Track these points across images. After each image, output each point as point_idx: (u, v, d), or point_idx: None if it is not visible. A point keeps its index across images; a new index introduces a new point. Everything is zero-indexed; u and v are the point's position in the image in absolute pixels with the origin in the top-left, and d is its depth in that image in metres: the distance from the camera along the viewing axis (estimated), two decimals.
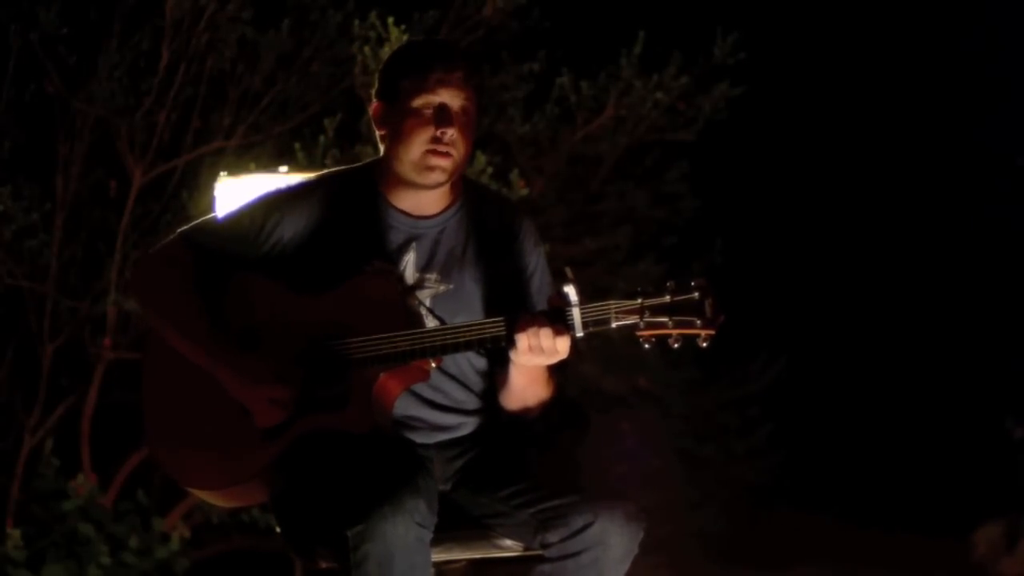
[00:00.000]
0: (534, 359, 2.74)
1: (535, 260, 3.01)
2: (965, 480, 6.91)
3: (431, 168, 2.86)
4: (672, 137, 5.83)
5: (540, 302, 2.95)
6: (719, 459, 7.10)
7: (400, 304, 2.86)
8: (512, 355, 2.76)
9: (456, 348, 2.78)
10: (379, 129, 2.95)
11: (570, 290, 2.71)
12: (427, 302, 2.91)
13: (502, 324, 2.75)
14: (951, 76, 7.45)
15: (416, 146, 2.86)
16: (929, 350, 7.43)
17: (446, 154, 2.86)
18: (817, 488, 7.18)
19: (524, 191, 5.25)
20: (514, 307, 2.87)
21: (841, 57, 7.42)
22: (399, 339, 2.79)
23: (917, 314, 7.64)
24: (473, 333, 2.77)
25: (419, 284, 2.92)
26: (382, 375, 2.80)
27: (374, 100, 2.96)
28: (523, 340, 2.71)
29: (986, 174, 7.44)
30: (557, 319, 2.71)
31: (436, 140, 2.84)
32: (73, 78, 5.11)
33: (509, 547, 2.85)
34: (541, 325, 2.71)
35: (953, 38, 7.33)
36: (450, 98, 2.86)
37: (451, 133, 2.84)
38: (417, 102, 2.86)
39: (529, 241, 3.02)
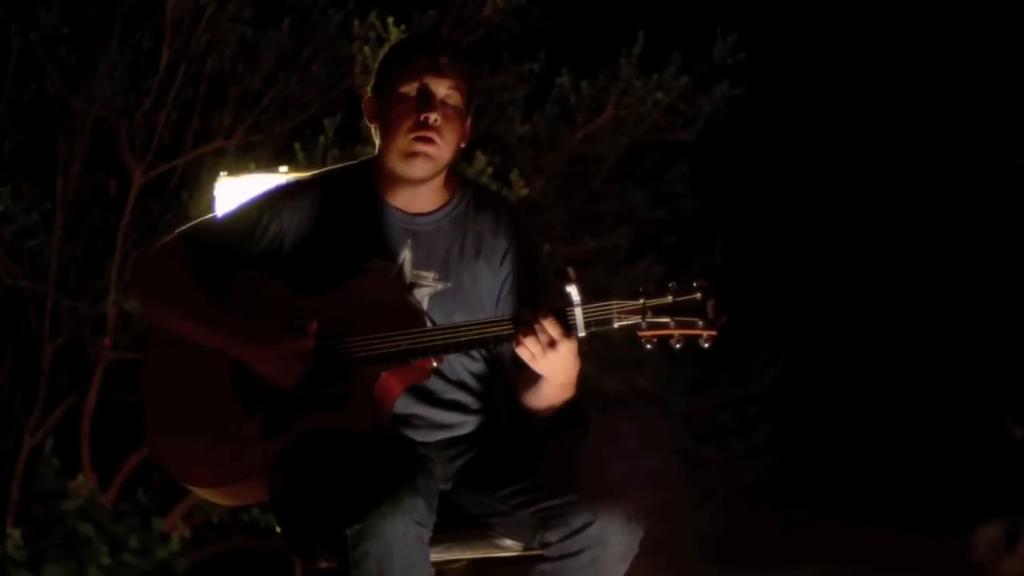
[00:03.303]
0: (536, 360, 2.74)
1: (532, 258, 3.01)
2: (965, 480, 6.91)
3: (415, 154, 2.86)
4: (672, 137, 5.82)
5: (538, 301, 2.94)
6: (719, 459, 7.10)
7: (401, 303, 2.86)
8: (519, 356, 2.76)
9: (458, 348, 2.78)
10: (372, 123, 2.96)
11: (572, 290, 2.70)
12: (424, 300, 2.91)
13: (508, 324, 2.75)
14: (952, 75, 7.45)
15: (401, 132, 2.86)
16: (929, 350, 7.43)
17: (430, 140, 2.85)
18: (817, 488, 7.17)
19: (524, 191, 5.25)
20: (513, 306, 2.88)
21: (841, 57, 7.42)
22: (401, 338, 2.79)
23: (917, 314, 7.64)
24: (475, 333, 2.77)
25: (416, 282, 2.92)
26: (383, 374, 2.81)
27: (370, 95, 2.97)
28: (526, 340, 2.71)
29: (987, 175, 7.43)
30: (559, 319, 2.71)
31: (420, 125, 2.84)
32: (73, 78, 5.11)
33: (509, 547, 2.85)
34: (544, 325, 2.70)
35: (954, 36, 7.33)
36: (434, 84, 2.86)
37: (434, 117, 2.84)
38: (402, 89, 2.87)
39: (526, 239, 3.01)
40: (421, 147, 2.86)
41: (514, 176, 5.22)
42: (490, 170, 5.06)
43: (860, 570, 6.23)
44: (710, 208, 6.57)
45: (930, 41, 7.35)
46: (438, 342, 2.78)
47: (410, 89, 2.87)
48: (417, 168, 2.88)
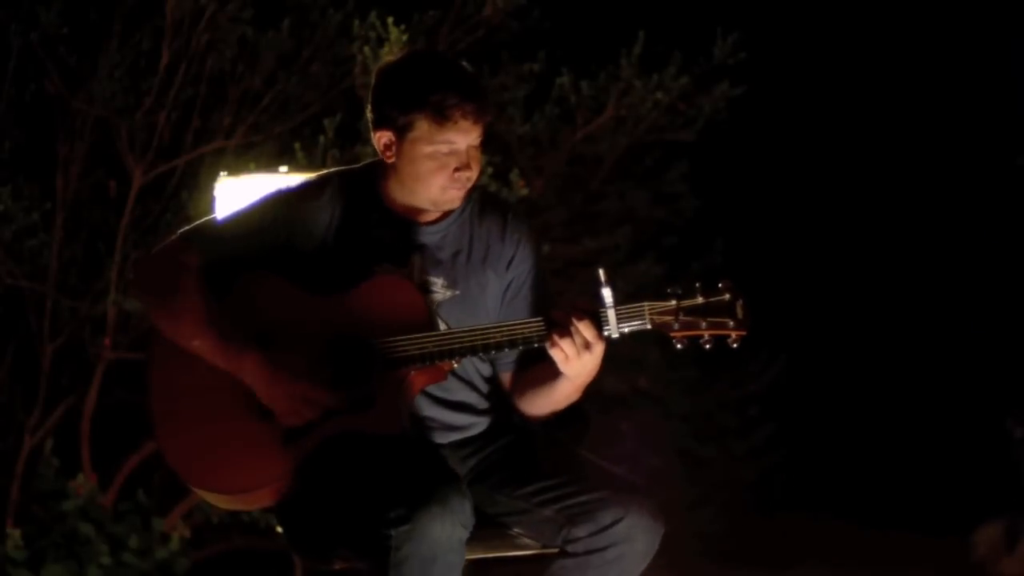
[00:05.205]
0: (569, 361, 2.73)
1: (537, 265, 3.01)
2: (965, 480, 6.91)
3: (448, 200, 2.87)
4: (672, 137, 5.82)
5: (543, 308, 2.92)
6: (719, 459, 7.09)
7: (420, 304, 2.85)
8: (552, 357, 2.75)
9: (487, 349, 2.78)
10: (387, 159, 2.89)
11: (606, 292, 2.72)
12: (432, 307, 2.90)
13: (540, 325, 2.75)
14: (953, 75, 7.45)
15: (434, 186, 2.85)
16: (930, 350, 7.43)
17: (462, 188, 2.86)
18: (817, 488, 7.17)
19: (524, 191, 5.25)
20: (517, 310, 2.89)
21: (841, 56, 7.42)
22: (428, 340, 2.78)
23: (917, 314, 7.64)
24: (505, 334, 2.77)
25: (425, 289, 2.91)
26: (411, 375, 2.79)
27: (381, 129, 2.88)
28: (562, 342, 2.71)
29: (987, 174, 7.43)
30: (594, 321, 2.71)
31: (454, 181, 2.84)
32: (73, 78, 5.11)
33: (526, 545, 2.85)
34: (579, 327, 2.71)
35: (955, 36, 7.33)
36: (468, 138, 2.83)
37: (468, 174, 2.84)
38: (433, 148, 2.82)
39: (532, 245, 3.01)
40: (455, 194, 2.87)
41: (514, 176, 5.22)
42: (490, 170, 5.06)
43: (860, 570, 6.23)
44: (710, 208, 6.57)
45: (931, 41, 7.35)
46: (466, 344, 2.78)
47: (441, 148, 2.82)
48: (446, 207, 2.90)
